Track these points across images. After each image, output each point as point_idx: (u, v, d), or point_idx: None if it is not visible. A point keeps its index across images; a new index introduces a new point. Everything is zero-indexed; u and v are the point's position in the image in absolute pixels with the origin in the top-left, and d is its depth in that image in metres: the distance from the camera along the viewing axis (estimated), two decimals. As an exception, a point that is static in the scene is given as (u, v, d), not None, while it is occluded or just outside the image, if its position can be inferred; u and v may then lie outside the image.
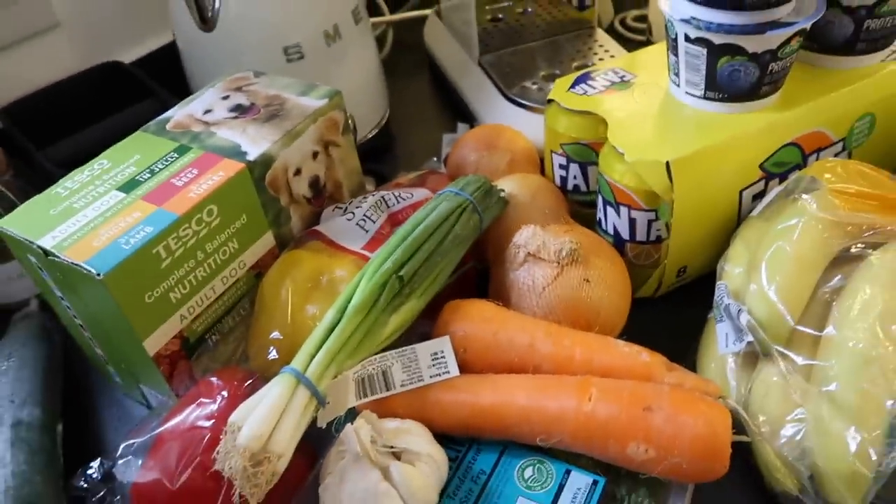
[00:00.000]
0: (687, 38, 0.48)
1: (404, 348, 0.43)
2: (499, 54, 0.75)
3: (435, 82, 0.85)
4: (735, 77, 0.49)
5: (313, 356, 0.39)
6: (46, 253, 0.42)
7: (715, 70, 0.49)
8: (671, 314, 0.53)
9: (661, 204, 0.49)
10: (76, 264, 0.40)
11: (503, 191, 0.53)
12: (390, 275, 0.42)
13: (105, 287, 0.40)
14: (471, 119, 0.74)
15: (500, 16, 0.80)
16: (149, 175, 0.47)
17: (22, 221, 0.44)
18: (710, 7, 0.46)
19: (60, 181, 0.47)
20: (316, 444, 0.43)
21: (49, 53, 0.67)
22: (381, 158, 0.72)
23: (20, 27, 0.64)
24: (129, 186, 0.46)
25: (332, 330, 0.40)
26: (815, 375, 0.40)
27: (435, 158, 0.68)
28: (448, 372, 0.42)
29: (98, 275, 0.40)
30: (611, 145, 0.50)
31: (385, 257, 0.43)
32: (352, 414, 0.41)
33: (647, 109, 0.52)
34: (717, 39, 0.47)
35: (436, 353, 0.43)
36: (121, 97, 0.66)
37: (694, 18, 0.47)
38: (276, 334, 0.45)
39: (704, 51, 0.48)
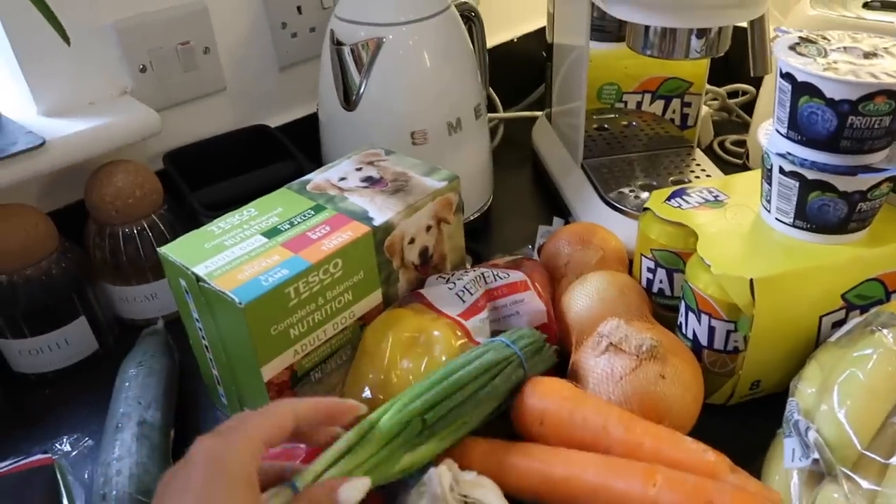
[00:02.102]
0: (781, 171, 0.53)
1: None
2: (600, 160, 0.81)
3: (536, 178, 0.92)
4: (824, 211, 0.52)
5: (319, 475, 0.39)
6: (198, 279, 0.49)
7: (805, 202, 0.52)
8: (740, 424, 0.55)
9: (742, 317, 0.52)
10: (223, 292, 0.48)
11: (555, 348, 0.54)
12: (416, 415, 0.43)
13: (243, 315, 0.47)
14: (566, 215, 0.80)
15: (606, 126, 0.87)
16: (289, 226, 0.54)
17: (180, 250, 0.52)
18: (806, 146, 0.51)
19: (214, 221, 0.55)
20: (386, 490, 0.48)
21: (213, 112, 0.78)
22: (479, 239, 0.79)
23: (196, 88, 0.76)
24: (271, 233, 0.53)
25: (346, 453, 0.40)
26: (879, 502, 0.41)
27: (530, 246, 0.74)
28: None
29: (240, 303, 0.47)
30: (699, 256, 0.54)
31: (416, 395, 0.44)
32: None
33: (736, 229, 0.56)
34: (810, 175, 0.51)
35: None
36: (264, 156, 0.76)
37: (790, 154, 0.52)
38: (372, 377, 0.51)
39: (797, 184, 0.52)
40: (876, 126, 0.48)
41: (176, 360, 0.62)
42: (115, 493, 0.47)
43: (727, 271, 0.51)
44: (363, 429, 0.41)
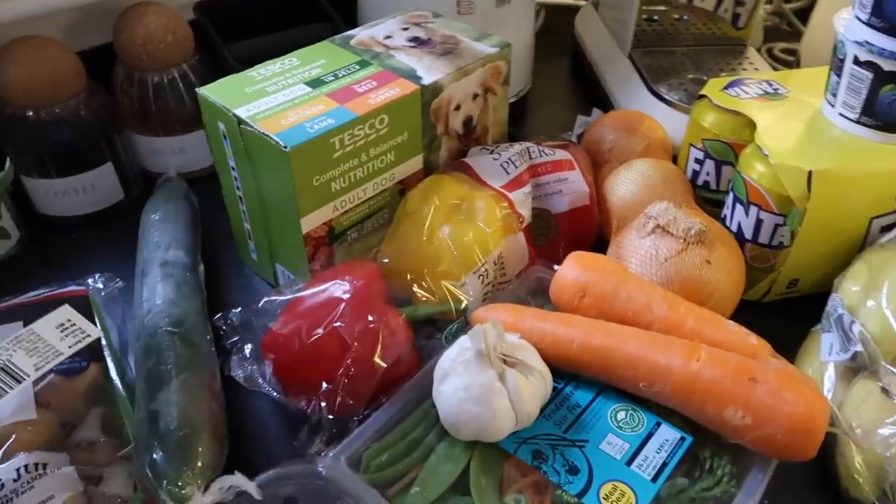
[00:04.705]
0: (856, 61, 0.50)
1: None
2: (648, 51, 0.77)
3: (575, 69, 0.88)
4: (894, 107, 0.50)
5: None
6: (240, 122, 0.47)
7: (876, 96, 0.50)
8: (773, 322, 0.53)
9: (793, 210, 0.51)
10: (266, 135, 0.46)
11: None
12: None
13: (287, 160, 0.45)
14: (607, 107, 0.77)
15: (656, 17, 0.82)
16: (333, 78, 0.51)
17: (221, 91, 0.50)
18: (888, 35, 0.48)
19: (254, 67, 0.53)
20: (423, 350, 0.47)
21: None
22: (516, 124, 0.76)
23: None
24: (315, 84, 0.51)
25: None
26: (917, 394, 0.41)
27: (569, 132, 0.71)
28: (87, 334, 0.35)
29: (285, 147, 0.45)
30: (756, 145, 0.52)
31: None
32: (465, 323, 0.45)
33: (796, 122, 0.54)
34: (887, 66, 0.49)
35: (63, 325, 0.36)
36: (301, 15, 0.72)
37: (868, 42, 0.49)
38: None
39: (870, 76, 0.50)
40: (969, 16, 0.46)
41: (193, 203, 0.61)
42: (145, 331, 0.47)
43: (785, 161, 0.50)
44: None
